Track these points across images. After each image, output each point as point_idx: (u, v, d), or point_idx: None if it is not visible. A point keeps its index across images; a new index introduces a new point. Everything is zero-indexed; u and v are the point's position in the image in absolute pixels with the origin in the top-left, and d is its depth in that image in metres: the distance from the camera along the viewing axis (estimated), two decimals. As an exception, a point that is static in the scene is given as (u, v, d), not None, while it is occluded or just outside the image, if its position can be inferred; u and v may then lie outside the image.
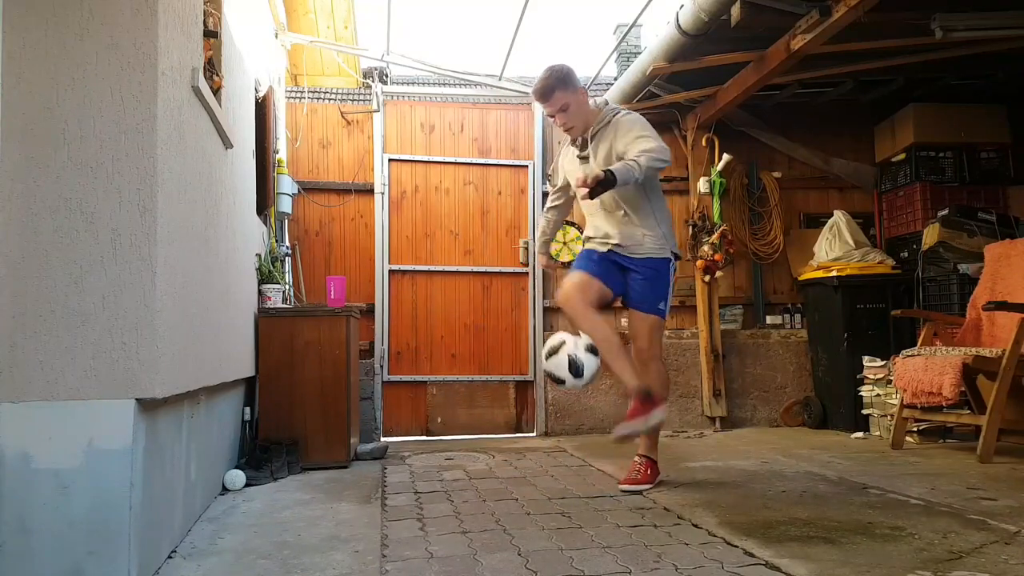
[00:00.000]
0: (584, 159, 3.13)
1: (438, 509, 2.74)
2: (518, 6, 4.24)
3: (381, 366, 4.97)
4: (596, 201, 3.05)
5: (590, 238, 3.21)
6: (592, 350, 2.86)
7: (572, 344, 2.87)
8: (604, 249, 3.13)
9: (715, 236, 4.98)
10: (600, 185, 2.73)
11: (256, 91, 3.80)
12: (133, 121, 1.92)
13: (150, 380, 1.89)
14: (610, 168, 2.77)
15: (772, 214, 5.33)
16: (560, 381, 2.88)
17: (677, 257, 3.17)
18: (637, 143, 2.90)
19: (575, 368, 2.81)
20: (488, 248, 5.20)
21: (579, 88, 3.07)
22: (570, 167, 3.23)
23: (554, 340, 2.92)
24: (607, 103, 3.16)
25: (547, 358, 2.90)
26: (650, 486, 3.03)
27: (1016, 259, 4.04)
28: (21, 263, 1.83)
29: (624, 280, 3.12)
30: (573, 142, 3.20)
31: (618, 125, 3.02)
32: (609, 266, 3.10)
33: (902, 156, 5.18)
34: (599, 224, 3.17)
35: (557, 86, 3.00)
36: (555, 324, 5.21)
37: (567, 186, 3.37)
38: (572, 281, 3.03)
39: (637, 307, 3.10)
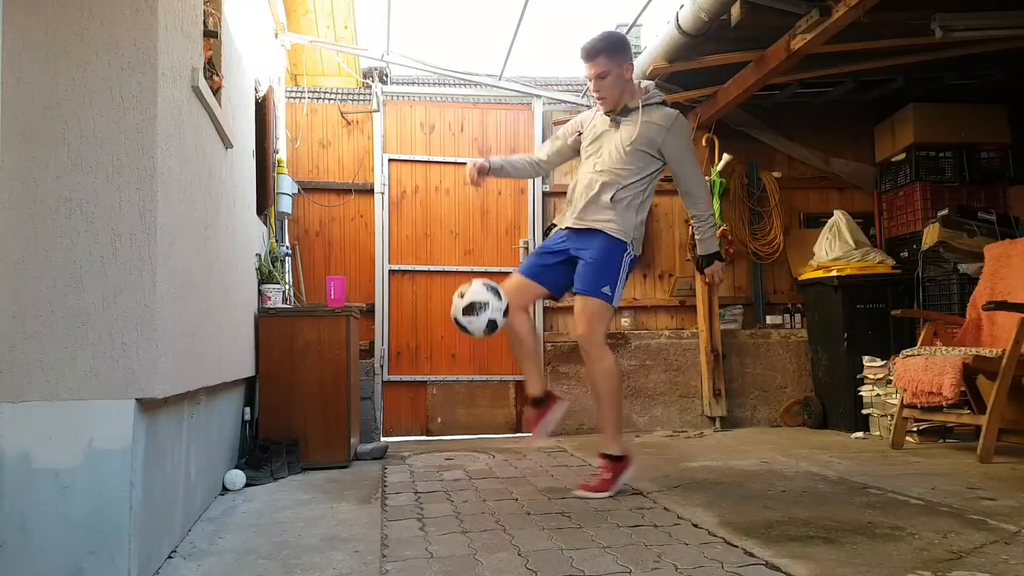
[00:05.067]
0: (616, 124, 3.05)
1: (438, 509, 2.74)
2: (518, 6, 4.24)
3: (381, 366, 4.97)
4: (590, 174, 3.05)
5: (569, 202, 3.19)
6: (494, 291, 2.84)
7: (495, 308, 2.81)
8: (563, 227, 3.12)
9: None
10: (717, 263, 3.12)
11: (256, 91, 3.80)
12: (133, 121, 1.92)
13: (150, 380, 1.89)
14: (710, 254, 3.11)
15: (772, 214, 5.33)
16: (465, 330, 2.85)
17: (634, 260, 3.05)
18: (696, 178, 3.06)
19: (493, 329, 2.81)
20: (488, 248, 5.20)
21: (626, 63, 3.00)
22: (597, 128, 3.11)
23: (475, 298, 2.81)
24: (648, 85, 3.13)
25: (464, 314, 2.79)
26: (607, 494, 2.87)
27: (1016, 259, 4.04)
28: (21, 263, 1.83)
29: (572, 270, 3.06)
30: (607, 113, 3.08)
31: (672, 123, 2.99)
32: (556, 263, 3.08)
33: (902, 156, 5.18)
34: (578, 193, 3.10)
35: (604, 50, 2.96)
36: (555, 324, 5.22)
37: (574, 146, 3.23)
38: (509, 283, 3.07)
39: (579, 290, 2.99)
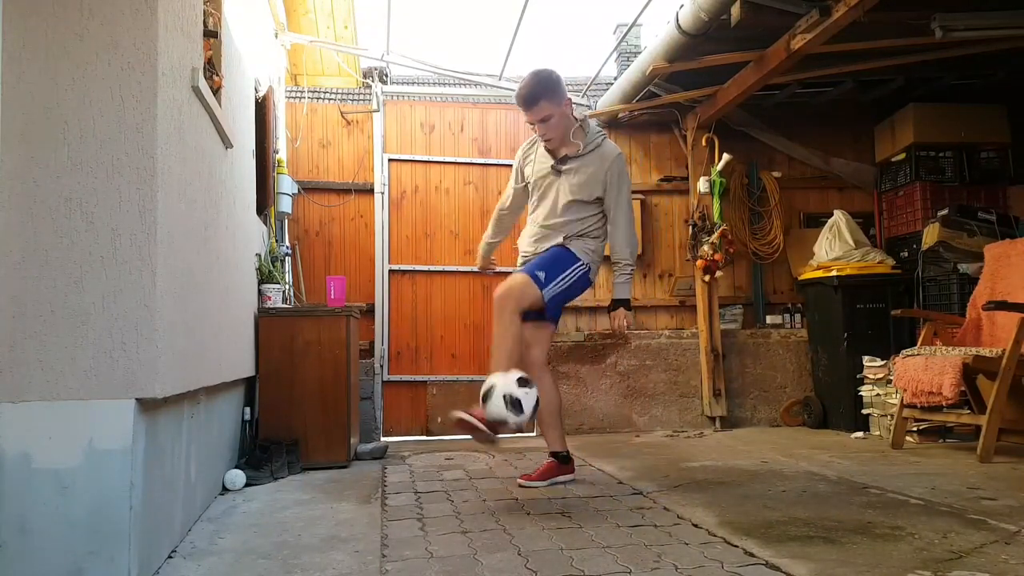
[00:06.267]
0: (558, 172, 3.08)
1: (438, 509, 2.74)
2: (518, 6, 4.24)
3: (381, 366, 4.97)
4: (538, 226, 3.14)
5: (524, 253, 3.22)
6: (524, 383, 2.67)
7: (502, 384, 2.65)
8: (529, 247, 3.20)
9: (715, 236, 4.98)
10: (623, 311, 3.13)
11: (256, 91, 3.80)
12: (133, 121, 1.92)
13: (150, 380, 1.89)
14: (619, 299, 3.12)
15: (772, 214, 5.33)
16: (503, 423, 2.64)
17: (587, 280, 3.11)
18: (623, 222, 3.08)
19: (514, 404, 2.61)
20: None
21: (564, 99, 3.00)
22: (540, 170, 3.15)
23: (485, 387, 2.68)
24: (585, 119, 3.14)
25: (484, 404, 2.66)
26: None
27: (1016, 259, 4.04)
28: (21, 263, 1.83)
29: None
30: (549, 151, 3.13)
31: (611, 163, 3.02)
32: None
33: (902, 156, 5.18)
34: (528, 244, 3.20)
35: (543, 95, 2.94)
36: (555, 324, 5.22)
37: (526, 185, 3.27)
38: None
39: (518, 270, 3.09)
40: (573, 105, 3.09)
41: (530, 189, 3.23)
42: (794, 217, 5.49)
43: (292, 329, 3.72)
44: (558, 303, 3.09)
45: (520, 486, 3.10)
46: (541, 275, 2.97)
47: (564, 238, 3.07)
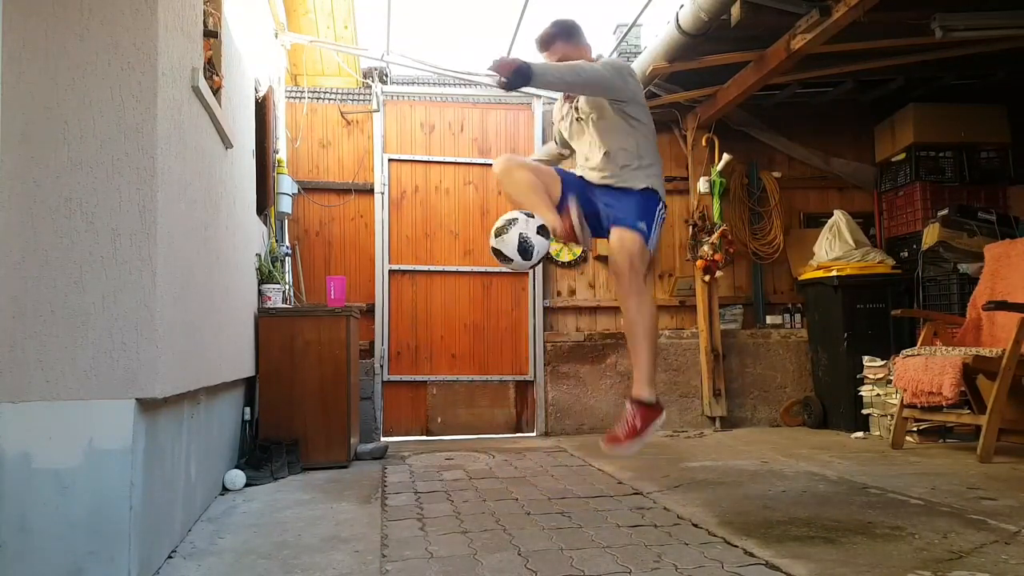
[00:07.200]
0: (573, 106, 2.95)
1: (438, 509, 2.74)
2: (518, 6, 4.24)
3: (381, 366, 4.97)
4: (587, 139, 2.90)
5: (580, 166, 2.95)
6: (543, 232, 2.62)
7: (524, 223, 2.64)
8: (588, 177, 2.88)
9: (715, 236, 4.98)
10: (512, 73, 2.44)
11: (256, 91, 3.80)
12: (133, 121, 1.92)
13: (150, 380, 1.89)
14: (530, 63, 2.51)
15: (772, 214, 5.33)
16: (508, 260, 2.67)
17: (664, 205, 2.83)
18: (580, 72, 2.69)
19: (524, 249, 2.60)
20: (488, 248, 5.18)
21: (583, 45, 2.95)
22: (567, 120, 3.03)
23: (506, 217, 2.68)
24: (602, 59, 3.06)
25: (496, 236, 2.67)
26: (635, 446, 2.52)
27: (1016, 259, 4.04)
28: (21, 263, 1.83)
29: (597, 203, 2.81)
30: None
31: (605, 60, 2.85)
32: (584, 184, 2.85)
33: (902, 156, 5.18)
34: (586, 156, 2.92)
35: (559, 35, 2.92)
36: (555, 324, 5.22)
37: (564, 142, 3.14)
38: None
39: (617, 222, 2.67)
40: (592, 54, 2.97)
41: (570, 142, 3.07)
42: (794, 217, 5.49)
43: (292, 329, 3.72)
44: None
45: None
46: (644, 228, 2.68)
47: (629, 169, 2.77)
